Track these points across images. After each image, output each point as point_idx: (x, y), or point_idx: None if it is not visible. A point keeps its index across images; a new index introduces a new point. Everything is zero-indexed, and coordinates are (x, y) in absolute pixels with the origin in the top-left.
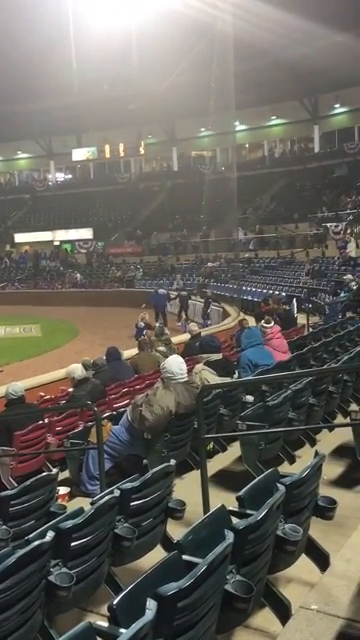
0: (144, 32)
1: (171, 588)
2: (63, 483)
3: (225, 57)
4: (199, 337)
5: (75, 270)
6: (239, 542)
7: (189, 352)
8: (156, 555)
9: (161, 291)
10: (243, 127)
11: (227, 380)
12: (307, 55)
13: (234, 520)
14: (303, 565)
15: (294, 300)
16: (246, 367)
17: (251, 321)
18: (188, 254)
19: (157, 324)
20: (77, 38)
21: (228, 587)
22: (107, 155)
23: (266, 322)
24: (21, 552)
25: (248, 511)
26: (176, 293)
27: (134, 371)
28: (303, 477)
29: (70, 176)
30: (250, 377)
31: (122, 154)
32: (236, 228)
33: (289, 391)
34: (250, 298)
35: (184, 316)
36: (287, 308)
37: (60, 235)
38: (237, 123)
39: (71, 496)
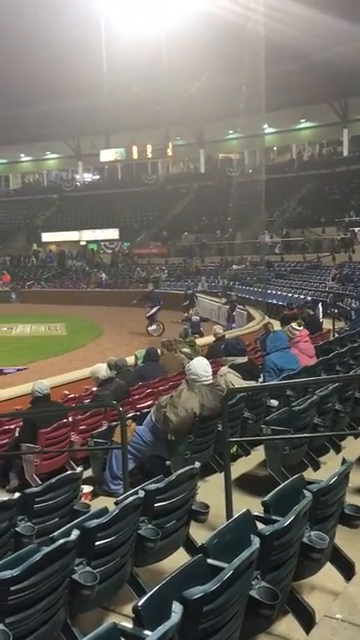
0: (174, 34)
1: (197, 592)
2: (86, 482)
3: (256, 59)
4: (224, 340)
5: (100, 270)
6: (265, 548)
7: (213, 354)
8: (178, 557)
9: (157, 291)
10: (272, 130)
11: (252, 384)
12: (340, 56)
13: (259, 525)
14: (328, 573)
15: (319, 305)
16: (271, 371)
17: (276, 325)
18: (213, 256)
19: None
20: (108, 40)
21: (253, 593)
22: (135, 156)
23: (297, 324)
24: (46, 550)
25: (274, 517)
26: (225, 300)
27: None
28: (330, 484)
29: (98, 177)
30: (275, 381)
31: (150, 155)
32: (262, 231)
33: (315, 396)
34: (275, 302)
35: (191, 311)
36: (311, 313)
37: (86, 235)
38: (266, 126)
39: (94, 495)
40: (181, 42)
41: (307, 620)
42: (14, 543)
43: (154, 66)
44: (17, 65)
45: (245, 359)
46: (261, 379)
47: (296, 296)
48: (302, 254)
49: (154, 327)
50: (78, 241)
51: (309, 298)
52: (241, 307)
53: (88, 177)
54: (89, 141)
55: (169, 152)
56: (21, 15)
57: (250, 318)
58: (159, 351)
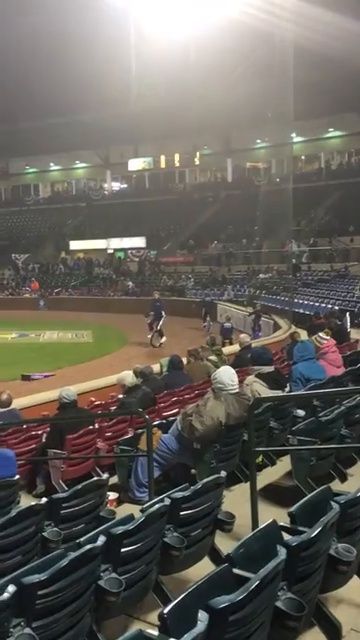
0: (202, 43)
1: (223, 601)
2: (111, 489)
3: (284, 67)
4: (250, 348)
5: (127, 278)
6: (291, 559)
7: (240, 363)
8: (204, 567)
9: (157, 296)
10: (300, 139)
11: (278, 393)
12: None
13: (285, 536)
14: (355, 586)
15: (347, 314)
16: (298, 381)
17: (303, 334)
18: (240, 265)
19: (150, 333)
20: (137, 50)
21: (279, 604)
22: (162, 165)
23: (324, 334)
24: (73, 555)
25: (300, 528)
26: (251, 309)
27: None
28: (358, 496)
29: (125, 186)
30: (302, 391)
31: (177, 164)
32: (289, 240)
33: (342, 407)
34: (302, 311)
35: (209, 319)
36: (339, 322)
37: (114, 243)
38: (294, 134)
39: (119, 502)
40: (209, 51)
41: (333, 633)
42: (41, 548)
43: (182, 75)
44: (48, 76)
45: (272, 368)
46: (288, 389)
47: (323, 305)
48: (329, 263)
49: (150, 336)
50: (105, 249)
51: (336, 307)
52: (266, 316)
53: (116, 186)
54: (118, 150)
55: (196, 161)
56: (52, 27)
57: (276, 327)
58: (185, 359)
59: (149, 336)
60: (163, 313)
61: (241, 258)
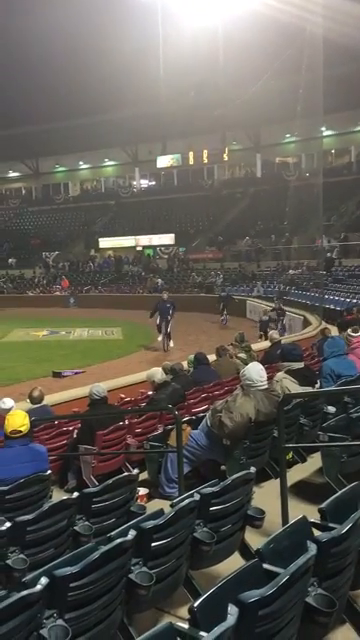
0: (231, 37)
1: (253, 595)
2: (142, 484)
3: (314, 61)
4: (279, 345)
5: (156, 275)
6: (322, 555)
7: (269, 359)
8: (233, 562)
9: (166, 297)
10: (330, 132)
11: (308, 390)
12: None
13: (315, 532)
14: None
15: None
16: (328, 377)
17: (334, 330)
18: (269, 261)
19: (160, 336)
20: (165, 47)
21: (309, 600)
22: (191, 162)
23: (353, 331)
24: (104, 548)
25: (331, 524)
26: (273, 306)
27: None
28: None
29: (154, 183)
30: (332, 387)
31: (206, 161)
32: (320, 235)
33: None
34: (333, 307)
35: (226, 313)
36: None
37: (143, 240)
38: (323, 128)
39: (149, 497)
40: (238, 45)
41: None
42: (72, 541)
43: (210, 71)
44: (77, 76)
45: (301, 365)
46: (318, 385)
47: (354, 301)
48: None
49: (160, 339)
50: (134, 246)
51: None
52: (295, 312)
53: (144, 183)
54: (146, 148)
55: (225, 157)
56: (81, 25)
57: (306, 323)
58: (214, 356)
59: (159, 339)
60: (170, 315)
61: (271, 254)
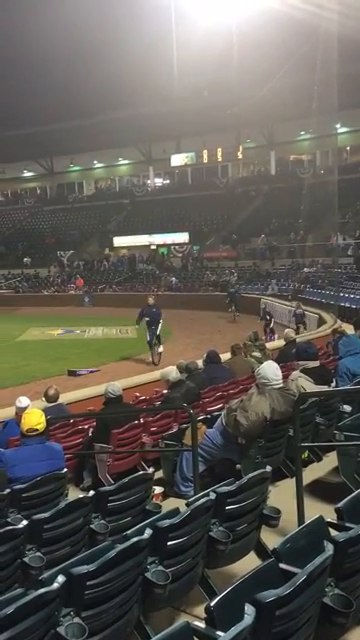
0: (244, 35)
1: (270, 595)
2: (157, 483)
3: (329, 57)
4: (294, 343)
5: (170, 274)
6: (339, 555)
7: (284, 358)
8: (249, 561)
9: (152, 301)
10: (345, 129)
11: (324, 388)
12: None
13: (332, 532)
14: None
15: None
16: (344, 376)
17: (349, 329)
18: (284, 259)
19: (152, 352)
20: (178, 45)
21: (326, 600)
22: (205, 160)
23: None
24: (120, 547)
25: (347, 524)
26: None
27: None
28: None
29: (168, 181)
30: (348, 386)
31: (220, 159)
32: (335, 233)
33: None
34: (348, 305)
35: (234, 309)
36: None
37: (157, 239)
38: (338, 125)
39: (164, 496)
40: (251, 43)
41: None
42: (89, 540)
43: (224, 68)
44: (91, 74)
45: (317, 363)
46: (334, 384)
47: None
48: None
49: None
50: (148, 245)
51: None
52: (310, 310)
53: (159, 182)
54: (160, 146)
55: (239, 155)
56: (93, 24)
57: (321, 322)
58: (228, 355)
59: (157, 350)
60: (160, 321)
61: (285, 252)
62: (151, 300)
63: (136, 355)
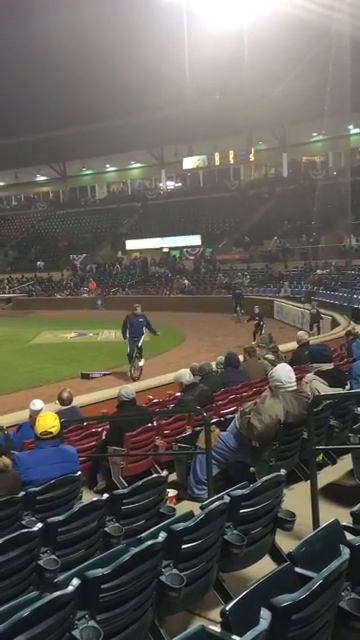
0: (256, 38)
1: (286, 599)
2: (170, 486)
3: (341, 59)
4: (308, 345)
5: (183, 276)
6: (355, 559)
7: (297, 360)
8: (264, 565)
9: (139, 310)
10: (357, 130)
11: (338, 391)
12: None
13: (348, 536)
14: None
15: None
16: (359, 378)
17: None
18: (297, 261)
19: (131, 366)
20: (189, 49)
21: (343, 604)
22: (217, 162)
23: None
24: (135, 550)
25: None
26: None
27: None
28: None
29: (180, 184)
30: None
31: (232, 161)
32: (348, 234)
33: None
34: None
35: (239, 309)
36: None
37: (169, 242)
38: (351, 126)
39: (178, 499)
40: (263, 45)
41: None
42: (103, 543)
43: (235, 71)
44: (102, 79)
45: (331, 366)
46: (348, 386)
47: None
48: None
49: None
50: (161, 248)
51: None
52: (323, 312)
53: (171, 185)
54: (172, 149)
55: (251, 157)
56: (105, 28)
57: (335, 324)
58: (241, 357)
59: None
60: (144, 330)
61: (298, 254)
62: (137, 308)
63: (148, 358)
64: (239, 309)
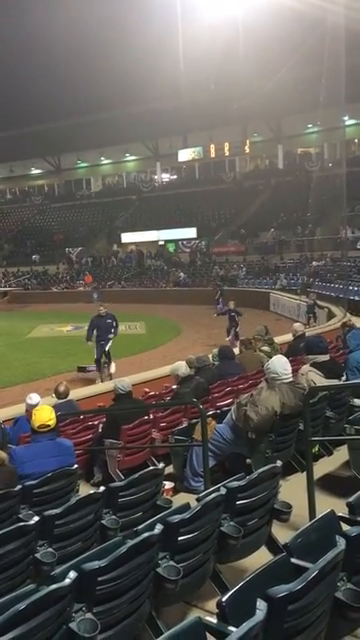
0: (251, 29)
1: (282, 590)
2: (167, 478)
3: (336, 50)
4: (303, 337)
5: (179, 269)
6: (351, 549)
7: (293, 352)
8: (261, 556)
9: (104, 311)
10: (352, 121)
11: (334, 382)
12: None
13: (344, 527)
14: None
15: None
16: (354, 369)
17: (359, 322)
18: (292, 253)
19: (100, 373)
20: (184, 40)
21: (339, 595)
22: (212, 154)
23: None
24: (131, 542)
25: (359, 518)
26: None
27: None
28: None
29: (175, 176)
30: (359, 380)
31: (227, 153)
32: (343, 226)
33: None
34: (358, 298)
35: (221, 300)
36: None
37: (164, 234)
38: (346, 117)
39: (175, 491)
40: (257, 36)
41: None
42: (100, 535)
43: (230, 63)
44: (96, 71)
45: (327, 357)
46: (344, 378)
47: None
48: None
49: (96, 369)
50: (156, 241)
51: None
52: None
53: (166, 177)
54: (167, 142)
55: (247, 149)
56: (99, 20)
57: (331, 315)
58: (237, 350)
59: (96, 370)
60: (112, 334)
61: (294, 246)
62: (102, 310)
63: (145, 351)
64: (222, 301)
